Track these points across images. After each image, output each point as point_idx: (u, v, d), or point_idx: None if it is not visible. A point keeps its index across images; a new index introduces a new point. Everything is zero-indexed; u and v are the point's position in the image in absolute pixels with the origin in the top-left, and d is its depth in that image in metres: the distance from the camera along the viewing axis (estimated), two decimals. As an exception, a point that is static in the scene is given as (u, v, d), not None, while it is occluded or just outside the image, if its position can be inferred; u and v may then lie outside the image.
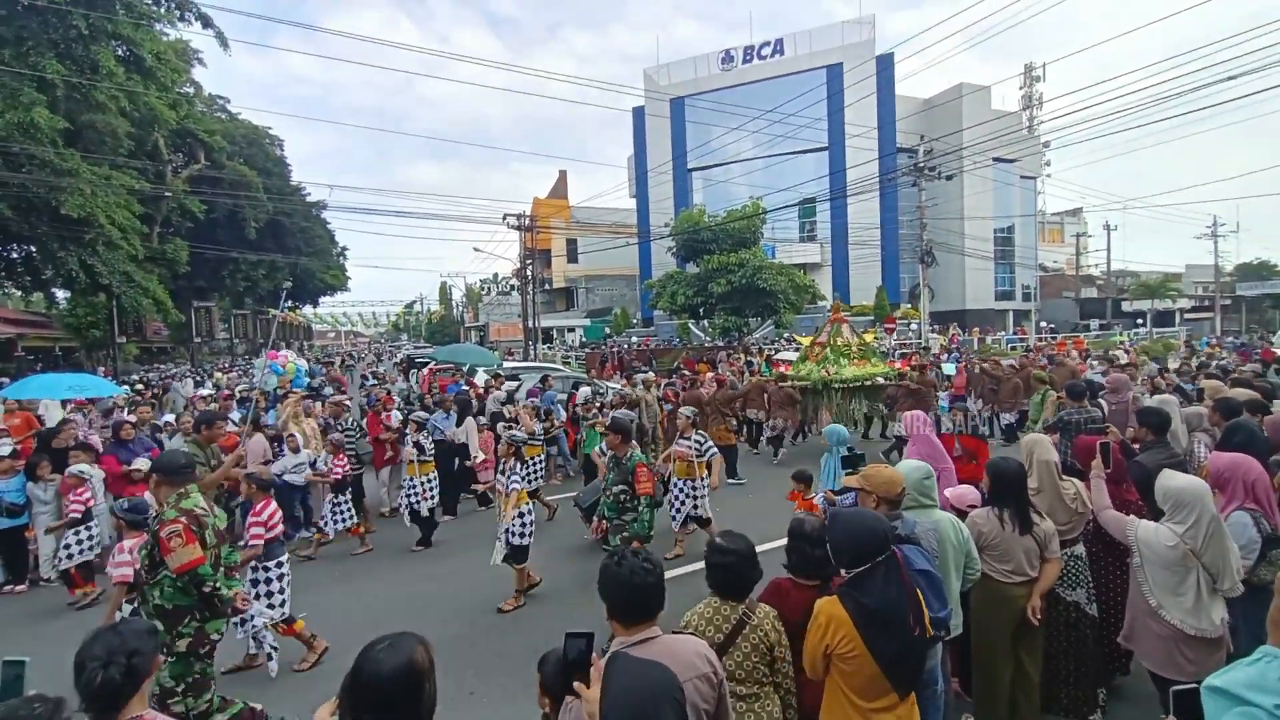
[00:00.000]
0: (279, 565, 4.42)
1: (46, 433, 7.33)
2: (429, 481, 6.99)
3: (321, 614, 5.34)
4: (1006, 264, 42.71)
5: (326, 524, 6.73)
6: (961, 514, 3.34)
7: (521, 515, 5.28)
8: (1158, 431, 4.18)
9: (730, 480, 8.86)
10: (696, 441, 6.31)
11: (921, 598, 2.24)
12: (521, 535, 5.24)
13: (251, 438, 6.97)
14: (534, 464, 7.96)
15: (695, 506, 6.24)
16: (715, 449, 6.40)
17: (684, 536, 6.44)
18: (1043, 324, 36.99)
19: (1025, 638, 3.13)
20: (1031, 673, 3.16)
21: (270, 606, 4.27)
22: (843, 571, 2.23)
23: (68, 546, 5.72)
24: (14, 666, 1.80)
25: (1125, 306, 39.45)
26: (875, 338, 12.30)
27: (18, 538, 6.20)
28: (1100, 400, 6.65)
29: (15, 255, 23.65)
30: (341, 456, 7.06)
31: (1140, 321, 35.01)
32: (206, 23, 23.05)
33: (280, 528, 4.54)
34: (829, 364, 10.79)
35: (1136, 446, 4.47)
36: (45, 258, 21.07)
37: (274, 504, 4.62)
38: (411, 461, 6.95)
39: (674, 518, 6.35)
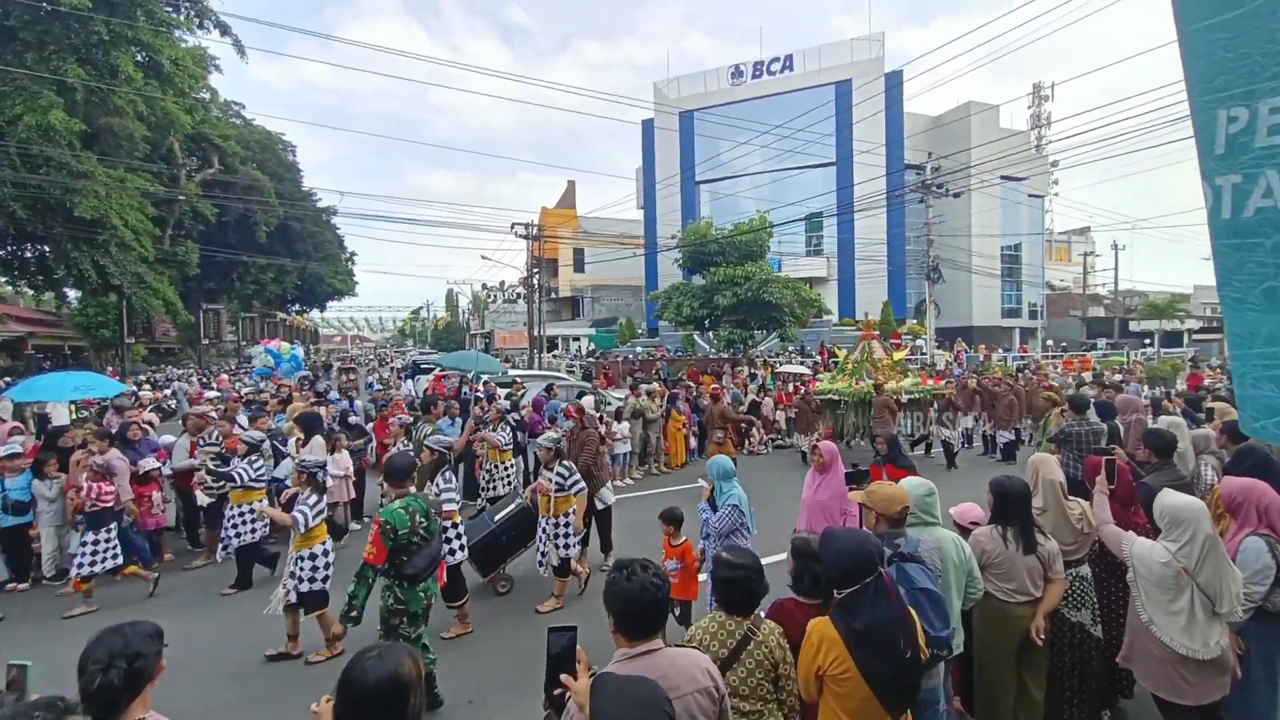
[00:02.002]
0: None
1: (53, 431, 7.39)
2: (245, 514, 5.88)
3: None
4: (1013, 281, 42.60)
5: (81, 567, 5.46)
6: (965, 531, 3.33)
7: (313, 556, 4.56)
8: (1162, 454, 4.16)
9: None
10: (560, 475, 5.43)
11: (917, 618, 2.22)
12: (311, 580, 4.51)
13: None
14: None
15: (560, 547, 5.39)
16: (581, 484, 5.52)
17: (569, 580, 5.52)
18: (1049, 342, 36.84)
19: (1029, 658, 3.11)
20: (1035, 693, 3.13)
21: None
22: (834, 592, 2.22)
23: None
24: (18, 670, 1.79)
25: (1133, 326, 39.24)
26: (903, 356, 12.48)
27: (22, 535, 6.23)
28: (1115, 422, 6.63)
29: (29, 255, 23.89)
30: (107, 482, 5.69)
31: (1148, 341, 34.80)
32: (224, 30, 23.44)
33: None
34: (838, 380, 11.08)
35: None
36: (58, 258, 21.29)
37: None
38: (236, 488, 5.89)
39: (540, 562, 5.50)
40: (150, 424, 9.25)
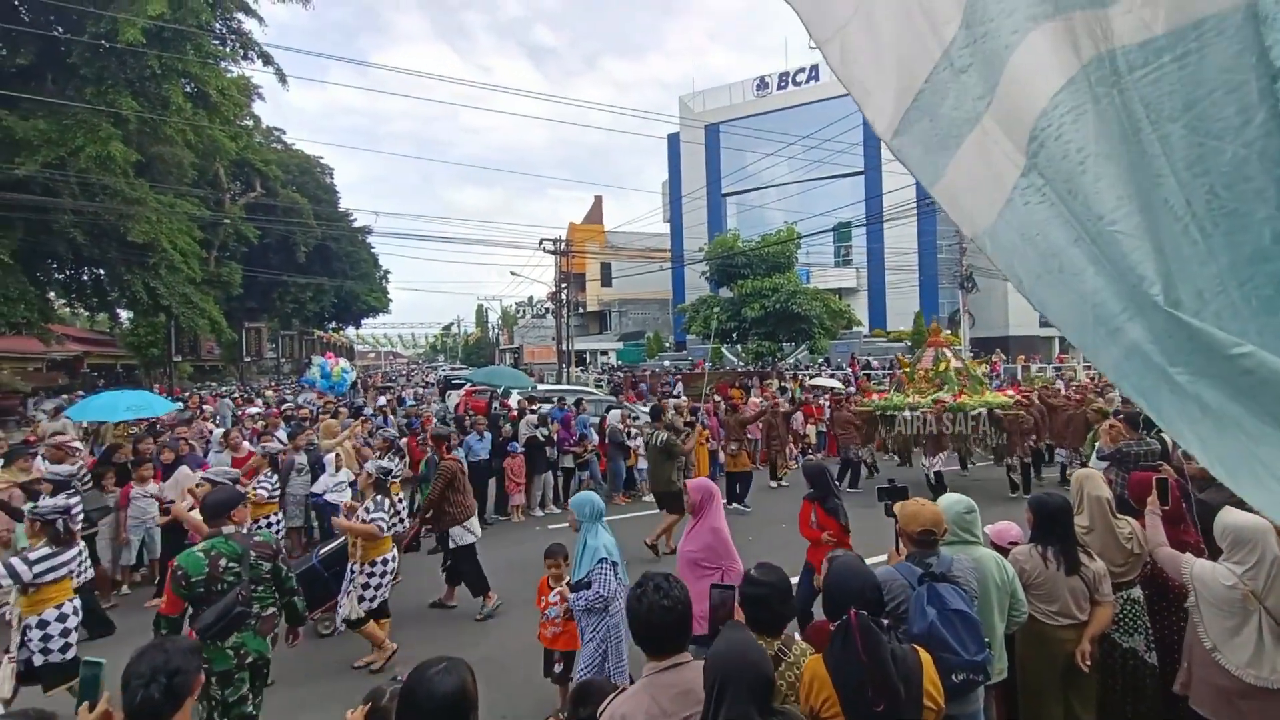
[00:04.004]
0: None
1: (109, 448, 7.73)
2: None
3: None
4: (1052, 289, 41.41)
5: None
6: (1003, 551, 3.23)
7: (43, 623, 3.67)
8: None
9: (739, 506, 9.06)
10: (366, 509, 4.66)
11: (928, 659, 2.07)
12: (45, 651, 3.64)
13: None
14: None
15: (366, 598, 4.64)
16: (386, 525, 4.72)
17: (383, 644, 4.69)
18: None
19: (1076, 684, 2.98)
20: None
21: None
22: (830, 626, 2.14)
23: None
24: (92, 667, 1.91)
25: (1182, 332, 37.61)
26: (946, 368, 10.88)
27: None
28: (1165, 435, 6.36)
29: (86, 277, 25.16)
30: None
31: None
32: (267, 60, 24.46)
33: None
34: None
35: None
36: (113, 280, 22.38)
37: None
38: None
39: (339, 612, 4.70)
40: (209, 435, 9.65)
